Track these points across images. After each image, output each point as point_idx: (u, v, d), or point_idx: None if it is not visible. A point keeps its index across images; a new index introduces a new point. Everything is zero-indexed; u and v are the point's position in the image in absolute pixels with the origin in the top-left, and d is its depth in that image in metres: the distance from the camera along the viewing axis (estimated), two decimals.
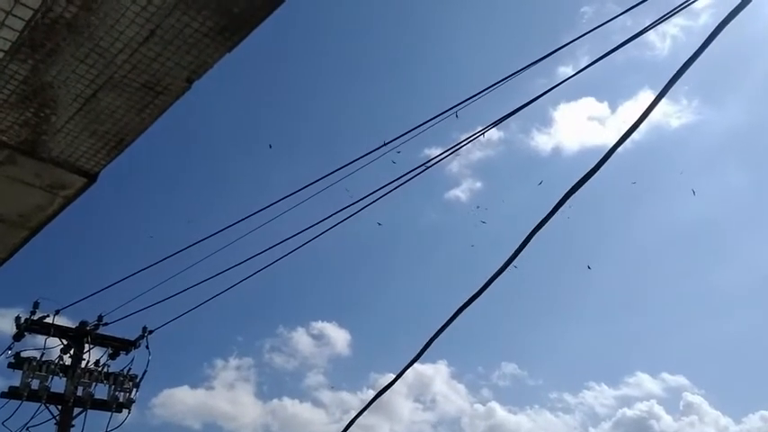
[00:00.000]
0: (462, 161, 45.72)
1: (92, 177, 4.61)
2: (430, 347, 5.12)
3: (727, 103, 45.42)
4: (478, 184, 47.57)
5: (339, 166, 8.61)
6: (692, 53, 4.04)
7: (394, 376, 5.55)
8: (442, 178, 44.43)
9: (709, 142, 47.54)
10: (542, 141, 45.58)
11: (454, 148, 7.94)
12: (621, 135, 4.40)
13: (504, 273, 4.61)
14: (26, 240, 5.08)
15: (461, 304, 4.93)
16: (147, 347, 11.26)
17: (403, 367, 5.02)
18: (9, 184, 4.58)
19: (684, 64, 4.09)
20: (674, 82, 4.12)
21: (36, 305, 10.70)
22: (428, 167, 8.10)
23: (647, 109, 4.31)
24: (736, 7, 3.94)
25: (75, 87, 4.02)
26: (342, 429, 5.67)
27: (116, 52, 3.80)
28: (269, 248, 9.58)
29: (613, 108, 40.69)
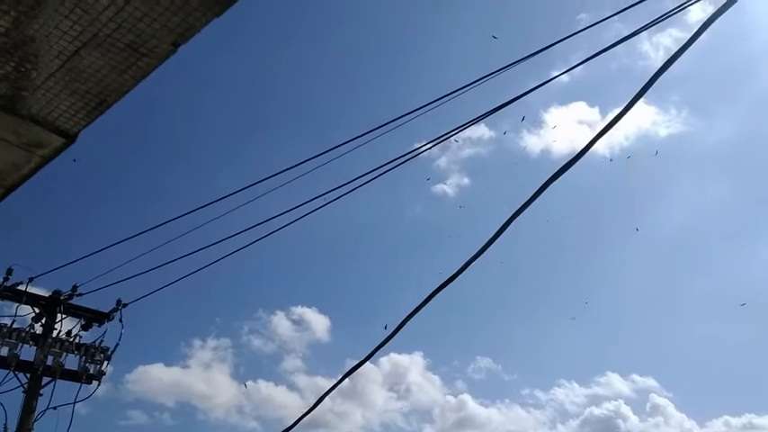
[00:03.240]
0: (451, 157, 45.83)
1: (70, 138, 4.53)
2: (404, 329, 5.13)
3: (716, 116, 46.00)
4: (466, 180, 47.73)
5: (328, 149, 8.59)
6: (683, 63, 4.08)
7: (370, 362, 5.56)
8: (429, 172, 44.50)
9: (696, 153, 48.13)
10: (532, 142, 45.85)
11: (440, 139, 7.95)
12: (606, 124, 4.42)
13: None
14: (1, 199, 5.00)
15: (436, 288, 4.94)
16: (121, 321, 11.18)
17: (376, 345, 5.04)
18: None
19: (669, 59, 4.13)
20: (659, 77, 4.15)
21: (9, 272, 10.55)
22: (413, 156, 8.11)
23: (631, 102, 4.34)
24: (721, 7, 3.97)
25: (57, 43, 3.95)
26: (311, 406, 5.69)
27: (101, 9, 3.73)
28: (248, 229, 9.53)
29: (604, 113, 40.97)
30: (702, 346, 49.53)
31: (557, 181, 4.42)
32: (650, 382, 42.51)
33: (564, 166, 4.39)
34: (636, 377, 42.95)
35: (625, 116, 4.35)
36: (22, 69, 4.09)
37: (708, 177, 48.43)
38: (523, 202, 4.47)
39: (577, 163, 4.43)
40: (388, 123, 8.19)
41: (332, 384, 5.63)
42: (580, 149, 4.39)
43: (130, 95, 4.31)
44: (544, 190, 4.44)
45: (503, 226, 4.52)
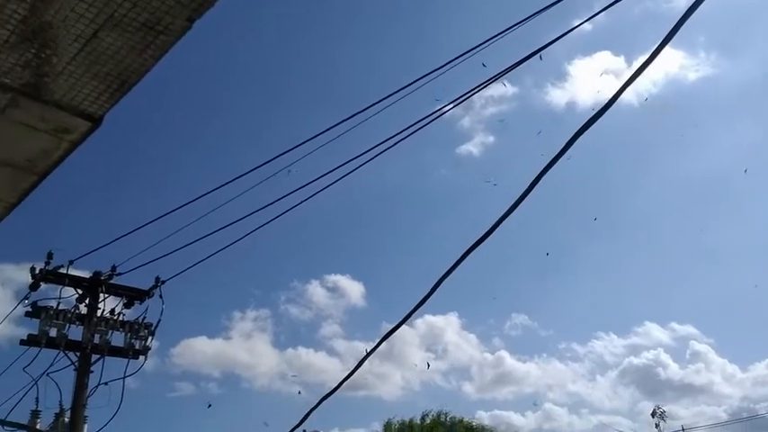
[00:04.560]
0: (474, 117, 45.18)
1: (96, 121, 4.57)
2: (437, 291, 5.13)
3: (745, 57, 44.23)
4: (491, 139, 47.13)
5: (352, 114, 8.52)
6: (708, 2, 3.88)
7: (406, 324, 5.59)
8: (453, 133, 44.01)
9: (726, 96, 46.55)
10: (557, 96, 44.88)
11: (462, 98, 7.80)
12: (631, 75, 4.28)
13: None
14: (34, 186, 5.09)
15: (469, 246, 4.91)
16: (161, 297, 11.46)
17: (412, 308, 5.06)
18: (15, 128, 4.55)
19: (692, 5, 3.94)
20: (684, 21, 3.97)
21: (50, 256, 10.86)
22: (437, 117, 7.99)
23: (655, 51, 4.18)
24: None
25: (74, 27, 3.95)
26: (350, 371, 5.78)
27: None
28: (274, 202, 9.58)
29: (629, 62, 39.79)
30: (741, 291, 48.80)
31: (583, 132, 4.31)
32: (689, 329, 42.16)
33: (591, 119, 4.27)
34: (675, 325, 42.66)
35: (652, 63, 4.19)
36: (43, 56, 4.10)
37: (738, 120, 46.90)
38: (552, 157, 4.38)
39: (607, 112, 4.31)
40: (409, 85, 8.07)
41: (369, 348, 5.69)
42: (607, 101, 4.27)
43: (153, 76, 4.31)
44: (572, 144, 4.34)
45: (532, 182, 4.44)
